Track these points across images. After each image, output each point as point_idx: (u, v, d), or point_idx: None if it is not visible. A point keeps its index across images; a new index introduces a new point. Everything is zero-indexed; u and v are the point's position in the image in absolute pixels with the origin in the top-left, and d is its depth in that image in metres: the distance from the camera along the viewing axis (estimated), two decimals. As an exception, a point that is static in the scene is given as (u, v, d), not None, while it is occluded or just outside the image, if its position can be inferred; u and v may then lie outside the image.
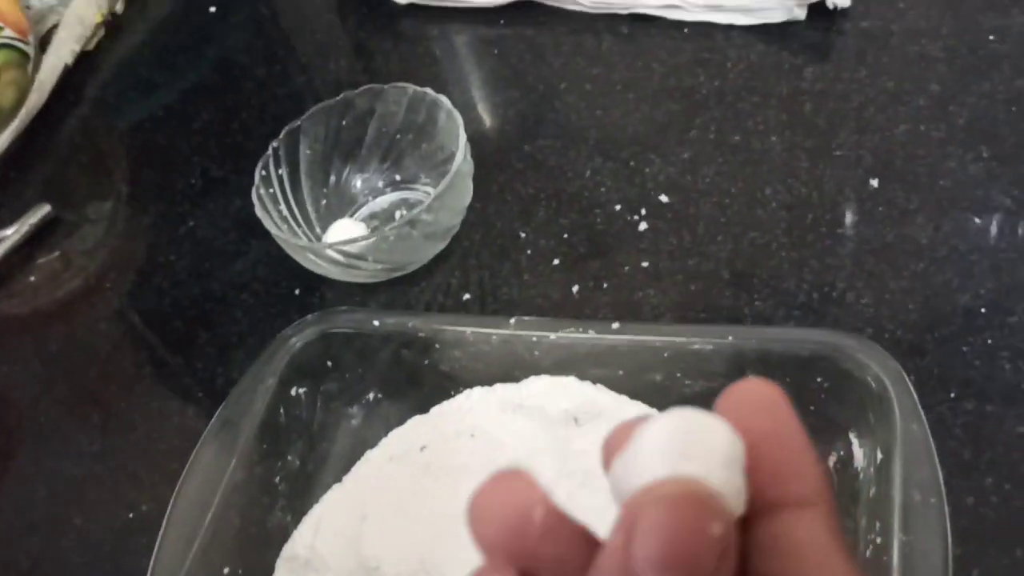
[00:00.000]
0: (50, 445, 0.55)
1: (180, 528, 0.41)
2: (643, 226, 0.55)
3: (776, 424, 0.19)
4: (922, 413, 0.38)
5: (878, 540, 0.36)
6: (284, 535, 0.44)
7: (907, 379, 0.38)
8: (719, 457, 0.17)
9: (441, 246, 0.56)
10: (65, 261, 0.66)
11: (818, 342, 0.40)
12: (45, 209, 0.66)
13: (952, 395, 0.44)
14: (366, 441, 0.47)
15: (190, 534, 0.41)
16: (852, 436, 0.41)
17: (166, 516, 0.42)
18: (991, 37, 0.59)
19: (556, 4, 0.70)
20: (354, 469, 0.46)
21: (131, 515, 0.50)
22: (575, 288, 0.53)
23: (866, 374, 0.39)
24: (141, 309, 0.60)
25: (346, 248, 0.51)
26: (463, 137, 0.53)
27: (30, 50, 0.73)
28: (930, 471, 0.35)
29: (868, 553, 0.36)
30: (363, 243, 0.51)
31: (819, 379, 0.41)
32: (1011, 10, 0.60)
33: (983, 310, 0.47)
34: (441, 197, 0.51)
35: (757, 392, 0.19)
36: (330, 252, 0.51)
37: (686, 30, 0.66)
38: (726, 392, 0.19)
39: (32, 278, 0.65)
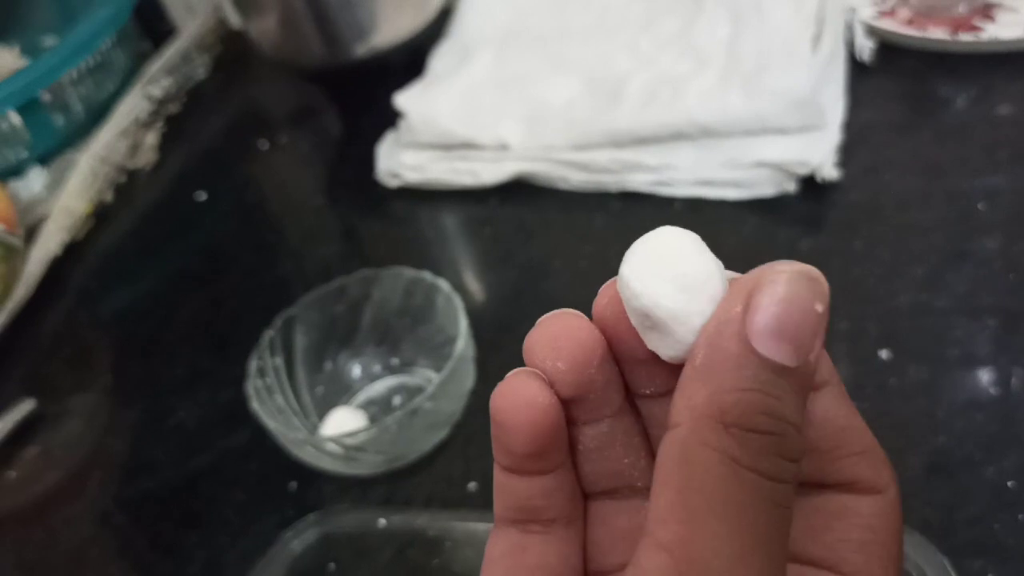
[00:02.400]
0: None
1: None
2: (650, 406, 0.53)
3: None
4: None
5: None
6: None
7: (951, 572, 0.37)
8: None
9: (443, 434, 0.54)
10: (46, 456, 0.63)
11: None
12: (30, 404, 0.64)
13: (990, 577, 0.42)
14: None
15: None
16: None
17: None
18: (979, 206, 0.59)
19: (545, 183, 0.71)
20: None
21: None
22: (585, 474, 0.51)
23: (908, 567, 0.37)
24: (126, 510, 0.57)
25: (346, 440, 0.49)
26: (464, 321, 0.52)
27: (18, 243, 0.73)
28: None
29: None
30: (364, 435, 0.49)
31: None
32: (995, 177, 0.61)
33: (1010, 484, 0.45)
34: (443, 384, 0.50)
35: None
36: (330, 445, 0.49)
37: (677, 205, 0.66)
38: (756, 273, 0.20)
39: (11, 474, 0.62)
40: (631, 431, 0.24)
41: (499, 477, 0.23)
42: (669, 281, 0.20)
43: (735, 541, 0.18)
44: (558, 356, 0.22)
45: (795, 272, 0.19)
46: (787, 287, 0.18)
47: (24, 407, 0.64)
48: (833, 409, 0.22)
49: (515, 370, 0.22)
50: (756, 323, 0.18)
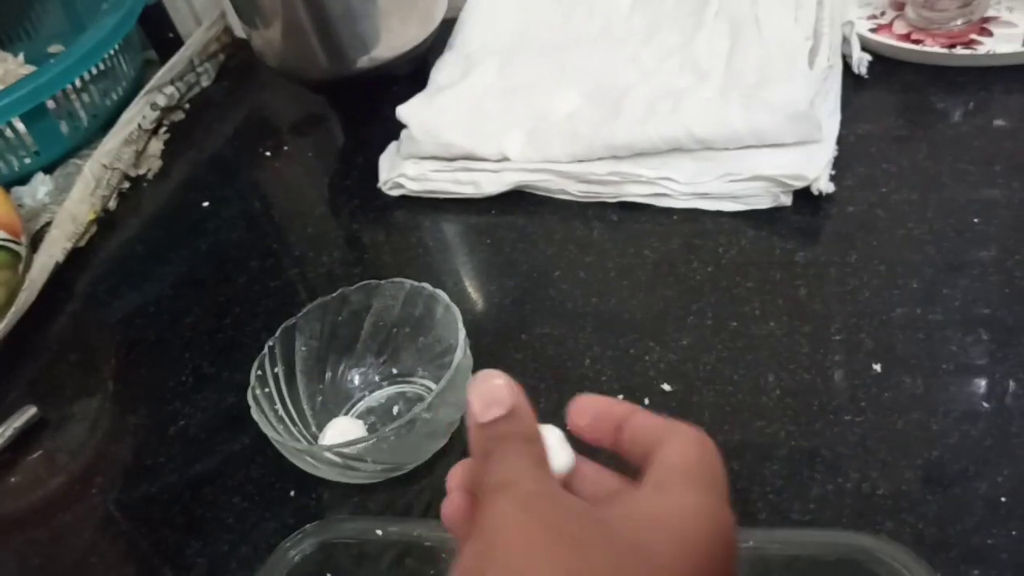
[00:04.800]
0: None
1: None
2: (647, 416, 0.54)
3: None
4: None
5: None
6: None
7: (940, 583, 0.37)
8: None
9: (442, 443, 0.54)
10: (49, 462, 0.64)
11: (846, 545, 0.38)
12: (31, 411, 0.65)
13: (984, 592, 0.42)
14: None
15: None
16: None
17: None
18: (975, 220, 0.60)
19: (545, 193, 0.72)
20: None
21: None
22: (581, 484, 0.51)
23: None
24: (129, 516, 0.58)
25: (345, 450, 0.50)
26: (462, 332, 0.53)
27: (22, 250, 0.73)
28: None
29: None
30: (362, 444, 0.49)
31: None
32: (990, 190, 0.62)
33: (1003, 499, 0.46)
34: (442, 393, 0.50)
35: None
36: (328, 454, 0.50)
37: (675, 217, 0.67)
38: None
39: (13, 479, 0.63)
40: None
41: None
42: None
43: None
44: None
45: (479, 373, 0.31)
46: (474, 381, 0.31)
47: (28, 412, 0.64)
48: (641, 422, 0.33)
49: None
50: (474, 408, 0.30)
